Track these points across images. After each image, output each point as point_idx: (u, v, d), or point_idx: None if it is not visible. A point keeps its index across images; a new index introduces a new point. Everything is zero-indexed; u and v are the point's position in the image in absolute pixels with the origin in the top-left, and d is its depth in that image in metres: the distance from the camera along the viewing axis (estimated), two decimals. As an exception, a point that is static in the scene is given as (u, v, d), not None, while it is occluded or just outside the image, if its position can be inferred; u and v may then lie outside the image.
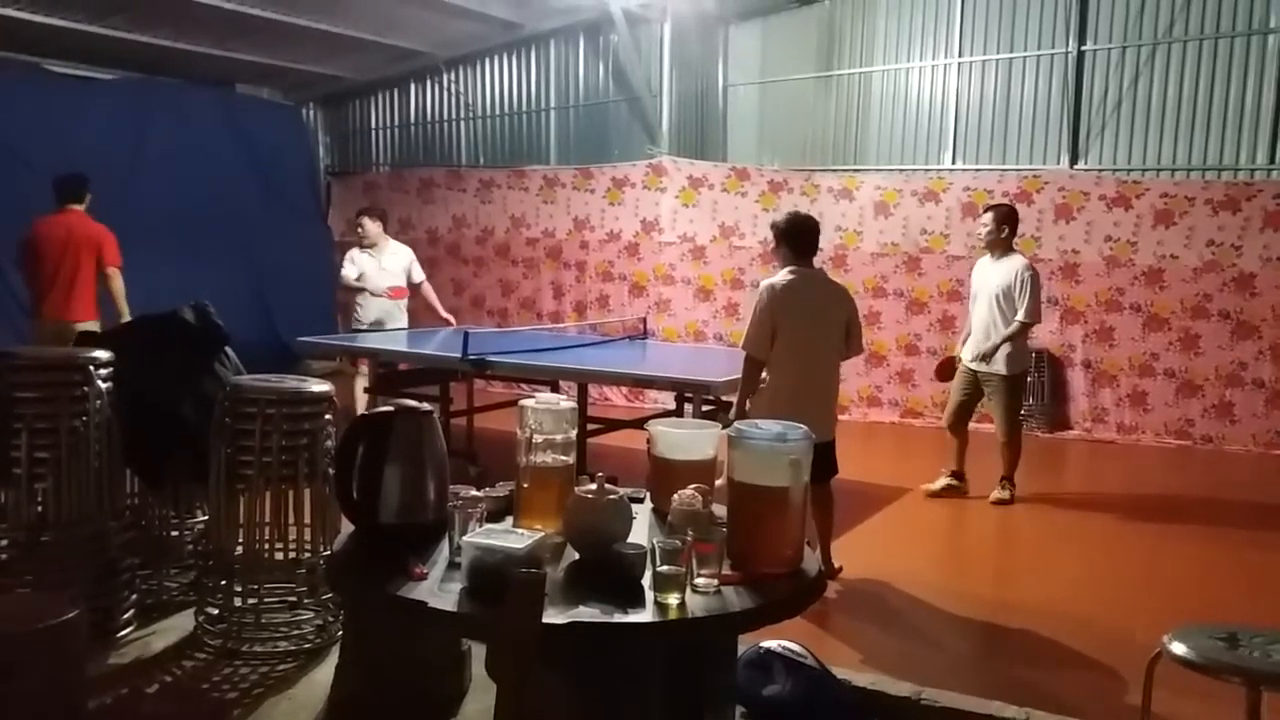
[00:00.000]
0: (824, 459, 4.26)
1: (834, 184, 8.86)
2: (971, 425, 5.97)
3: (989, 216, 5.75)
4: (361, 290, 7.22)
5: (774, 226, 4.35)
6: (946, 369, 6.03)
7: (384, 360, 6.48)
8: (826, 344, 4.25)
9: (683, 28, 9.49)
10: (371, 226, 7.35)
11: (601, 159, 9.88)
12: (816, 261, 4.41)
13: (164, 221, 9.47)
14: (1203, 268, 7.65)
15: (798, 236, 4.26)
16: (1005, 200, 8.14)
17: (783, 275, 4.19)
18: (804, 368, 4.12)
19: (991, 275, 5.69)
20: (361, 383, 6.88)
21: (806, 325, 4.14)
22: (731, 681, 2.60)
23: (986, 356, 5.61)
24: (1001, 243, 5.69)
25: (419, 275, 7.53)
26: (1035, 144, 8.52)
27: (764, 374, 4.21)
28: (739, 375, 4.85)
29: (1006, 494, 5.75)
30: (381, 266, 7.32)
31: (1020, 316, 5.51)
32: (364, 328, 7.23)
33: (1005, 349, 5.57)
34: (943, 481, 5.95)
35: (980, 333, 5.72)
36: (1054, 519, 5.60)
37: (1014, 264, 5.63)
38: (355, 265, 7.32)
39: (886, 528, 5.37)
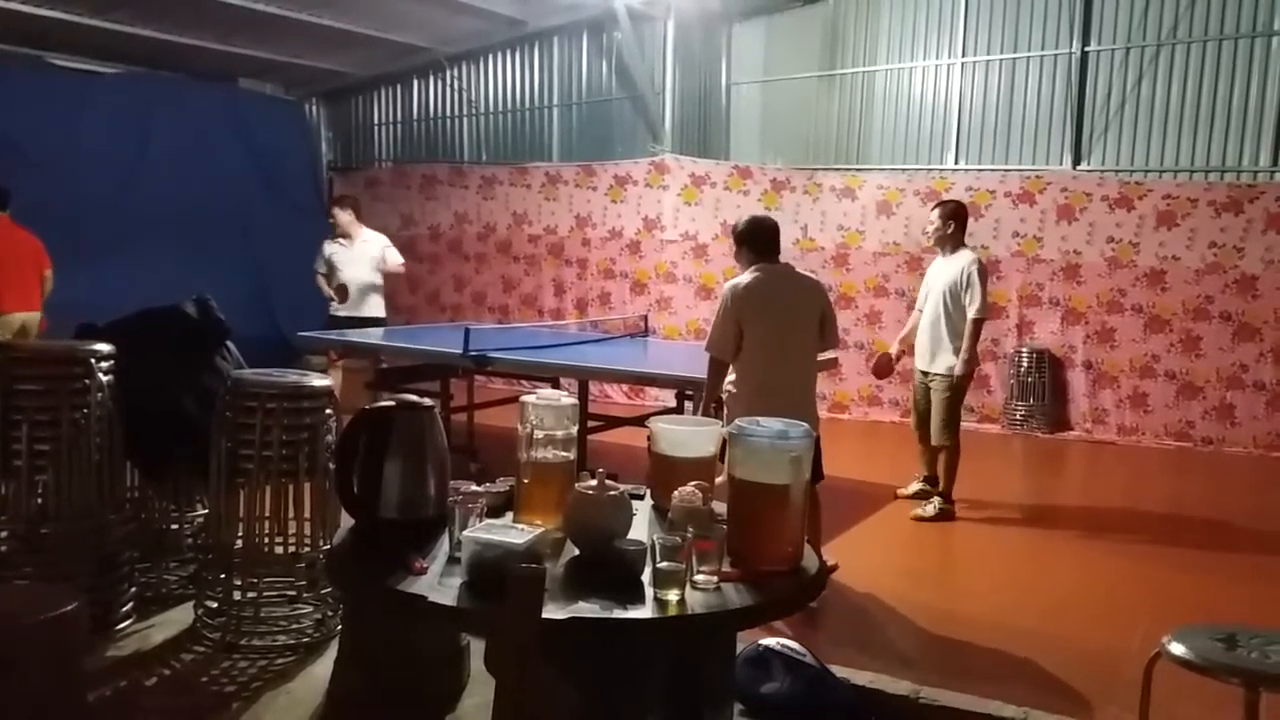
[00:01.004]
0: None
1: (836, 183, 8.85)
2: (965, 427, 5.81)
3: (935, 214, 5.51)
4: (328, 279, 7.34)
5: (734, 231, 4.26)
6: (884, 367, 5.71)
7: (380, 356, 6.48)
8: (797, 340, 4.13)
9: (686, 26, 9.49)
10: (343, 216, 7.43)
11: (604, 156, 9.87)
12: (818, 259, 4.38)
13: (166, 216, 9.50)
14: (1205, 269, 7.65)
15: (758, 237, 4.16)
16: (1007, 201, 8.20)
17: (747, 274, 4.10)
18: (773, 365, 4.03)
19: (941, 274, 5.46)
20: (337, 376, 6.91)
21: (774, 323, 4.05)
22: (730, 678, 2.60)
23: (963, 378, 5.38)
24: (950, 239, 5.44)
25: (395, 259, 7.57)
26: (1038, 144, 8.52)
27: (731, 375, 4.15)
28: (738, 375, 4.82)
29: (929, 510, 5.39)
30: (354, 255, 7.38)
31: (972, 314, 5.28)
32: (337, 313, 7.28)
33: (952, 347, 5.35)
34: (915, 486, 5.79)
35: (925, 331, 5.49)
36: (1054, 519, 5.59)
37: (961, 260, 5.37)
38: (323, 258, 7.35)
39: (886, 527, 5.37)
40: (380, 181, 11.40)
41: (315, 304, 7.68)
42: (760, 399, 3.75)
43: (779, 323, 4.05)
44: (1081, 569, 4.80)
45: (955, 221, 5.48)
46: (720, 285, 8.98)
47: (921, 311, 5.63)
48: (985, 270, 5.44)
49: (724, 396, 4.16)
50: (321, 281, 7.41)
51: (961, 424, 5.69)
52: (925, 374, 5.53)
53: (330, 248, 7.40)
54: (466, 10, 9.53)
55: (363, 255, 7.44)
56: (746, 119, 10.06)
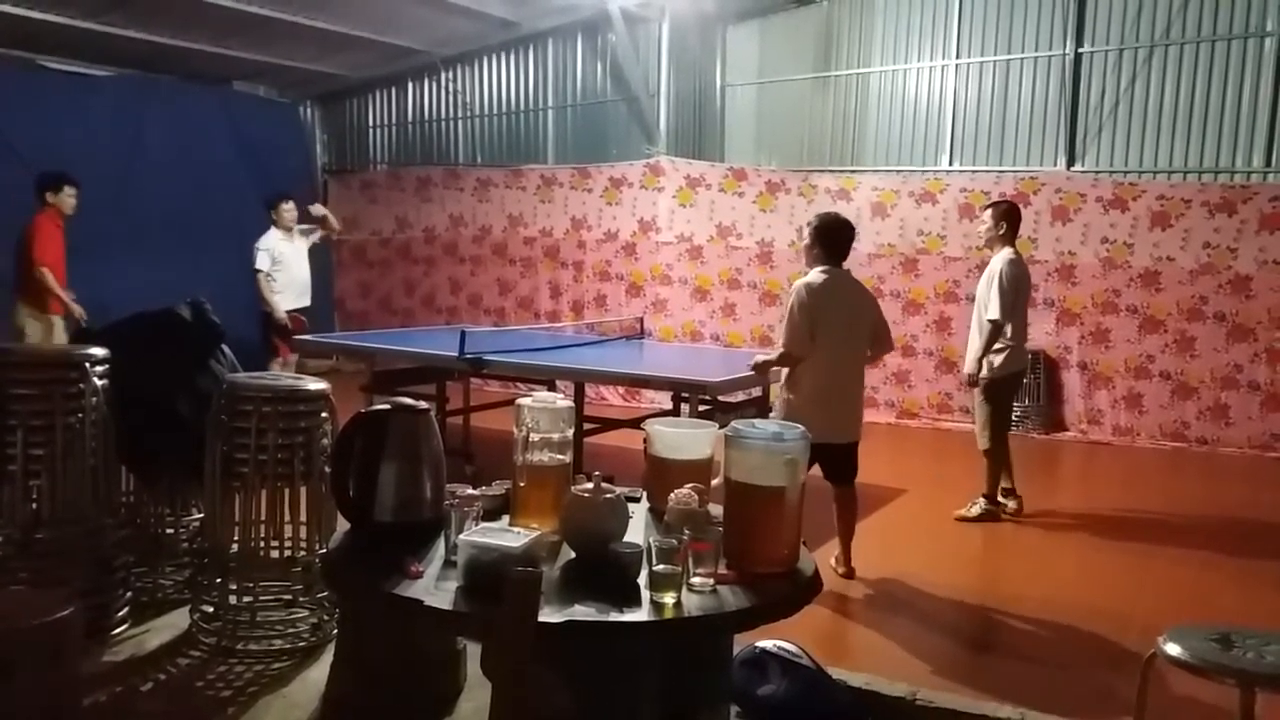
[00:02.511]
0: (848, 460, 4.28)
1: (831, 185, 8.86)
2: (958, 427, 5.86)
3: (987, 214, 5.52)
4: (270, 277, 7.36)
5: (809, 225, 4.36)
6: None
7: (373, 358, 6.48)
8: (855, 345, 4.30)
9: (681, 27, 9.49)
10: (294, 210, 7.57)
11: (599, 158, 9.88)
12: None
13: (161, 218, 9.49)
14: (1199, 270, 7.67)
15: (831, 238, 4.28)
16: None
17: (815, 274, 4.23)
18: (833, 368, 4.18)
19: (984, 275, 5.49)
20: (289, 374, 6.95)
21: (838, 326, 4.18)
22: (727, 681, 2.60)
23: (972, 377, 5.37)
24: (1000, 240, 5.42)
25: (333, 222, 7.94)
26: (1032, 146, 8.53)
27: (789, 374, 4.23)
28: (735, 376, 4.86)
29: (973, 511, 5.40)
30: (298, 249, 7.53)
31: (988, 314, 5.25)
32: (281, 314, 7.30)
33: (975, 351, 5.36)
34: (985, 503, 5.53)
35: (969, 336, 5.56)
36: (1049, 520, 5.60)
37: (996, 260, 5.37)
38: (269, 253, 7.35)
39: (881, 529, 5.37)
40: (375, 184, 11.39)
41: (309, 307, 7.69)
42: (813, 402, 3.91)
43: (841, 327, 4.21)
44: (1078, 569, 4.81)
45: (1006, 222, 5.45)
46: (716, 287, 9.08)
47: None
48: (1017, 271, 5.34)
49: (779, 398, 4.26)
50: (265, 286, 7.32)
51: (956, 424, 5.72)
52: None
53: (280, 245, 7.39)
54: (460, 12, 9.52)
55: (303, 247, 7.58)
56: (741, 121, 10.07)
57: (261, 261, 7.30)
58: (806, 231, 4.36)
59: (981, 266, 5.84)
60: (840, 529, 4.39)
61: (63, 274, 7.13)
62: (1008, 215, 5.49)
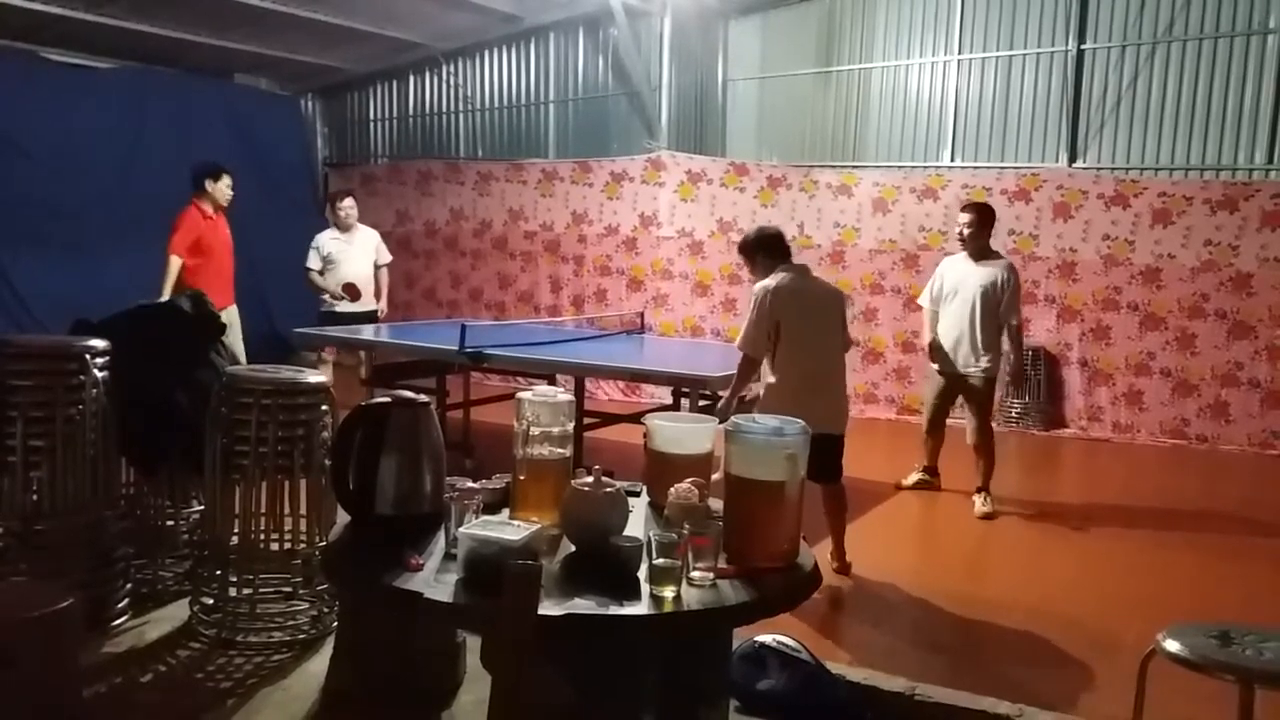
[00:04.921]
0: (832, 454, 4.27)
1: (833, 180, 8.86)
2: (959, 424, 5.91)
3: (969, 217, 5.52)
4: (322, 275, 7.30)
5: (744, 246, 4.43)
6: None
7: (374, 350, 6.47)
8: (829, 338, 4.30)
9: (682, 22, 9.47)
10: (353, 209, 7.41)
11: (600, 153, 9.86)
12: (814, 256, 4.44)
13: (161, 211, 9.42)
14: (1200, 267, 7.66)
15: (771, 243, 4.36)
16: (1003, 198, 8.19)
17: (777, 275, 4.23)
18: (810, 363, 4.18)
19: (972, 276, 5.48)
20: (328, 372, 6.89)
21: (809, 321, 4.19)
22: (726, 675, 2.61)
23: (1016, 378, 5.89)
24: (983, 244, 5.51)
25: (385, 257, 7.62)
26: (1034, 142, 8.52)
27: (768, 373, 4.23)
28: (735, 371, 4.86)
29: (990, 507, 5.49)
30: (354, 250, 7.36)
31: (1015, 320, 5.45)
32: (333, 309, 7.25)
33: (996, 348, 5.48)
34: (915, 476, 5.99)
35: (955, 333, 5.52)
36: (1048, 517, 5.60)
37: (998, 266, 5.46)
38: (319, 252, 7.30)
39: (882, 524, 5.38)
40: (376, 177, 11.38)
41: (310, 300, 7.65)
42: (804, 396, 3.92)
43: (815, 320, 4.22)
44: (1077, 565, 4.81)
45: (990, 225, 5.61)
46: (717, 282, 9.08)
47: (937, 311, 5.67)
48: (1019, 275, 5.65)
49: (759, 393, 4.29)
50: (316, 279, 7.35)
51: (954, 420, 5.85)
52: (959, 374, 5.57)
53: (330, 244, 7.35)
54: (462, 6, 9.51)
55: (364, 249, 7.43)
56: (743, 115, 10.05)
57: (311, 260, 7.28)
58: (745, 254, 4.42)
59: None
60: (831, 526, 4.38)
61: (219, 265, 6.76)
62: (991, 217, 5.65)
